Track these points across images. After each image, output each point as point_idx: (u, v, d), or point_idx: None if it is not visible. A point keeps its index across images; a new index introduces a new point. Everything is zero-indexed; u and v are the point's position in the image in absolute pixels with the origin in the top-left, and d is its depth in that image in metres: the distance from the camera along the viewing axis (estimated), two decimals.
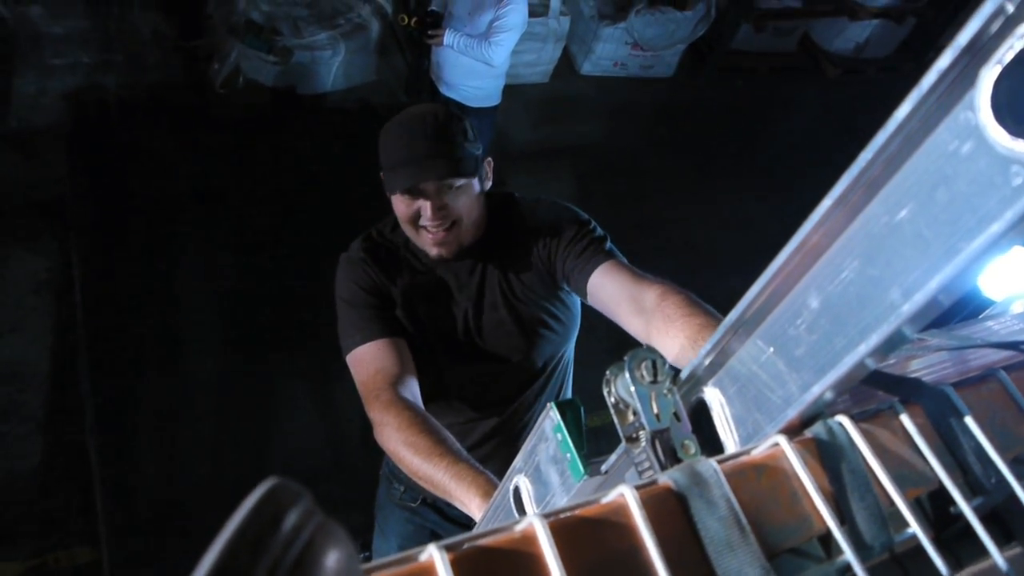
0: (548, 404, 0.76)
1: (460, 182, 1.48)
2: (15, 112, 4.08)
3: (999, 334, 0.74)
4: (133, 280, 3.36)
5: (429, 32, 3.54)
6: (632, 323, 1.37)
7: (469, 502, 1.17)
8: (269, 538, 0.27)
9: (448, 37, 3.49)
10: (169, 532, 2.59)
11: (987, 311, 0.86)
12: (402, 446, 1.30)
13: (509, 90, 5.23)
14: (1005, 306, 0.96)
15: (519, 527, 0.43)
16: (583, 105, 5.35)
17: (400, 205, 1.51)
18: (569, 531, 0.42)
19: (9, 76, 4.21)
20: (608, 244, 1.59)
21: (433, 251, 1.55)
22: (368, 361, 1.47)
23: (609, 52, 5.38)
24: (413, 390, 1.45)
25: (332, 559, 0.29)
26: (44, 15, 4.57)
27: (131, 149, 3.95)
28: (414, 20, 3.57)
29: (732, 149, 5.28)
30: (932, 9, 6.05)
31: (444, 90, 3.74)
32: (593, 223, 1.65)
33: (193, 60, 4.56)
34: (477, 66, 3.53)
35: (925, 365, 0.68)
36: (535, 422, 1.51)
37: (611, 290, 1.45)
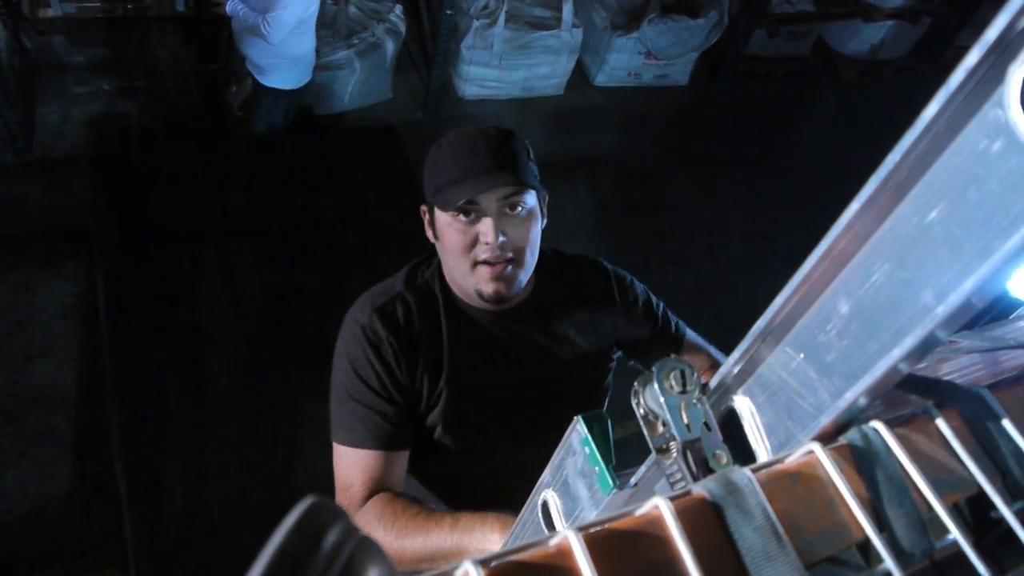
0: (575, 418, 0.76)
1: (527, 205, 1.32)
2: (39, 140, 4.15)
3: None
4: (157, 303, 3.40)
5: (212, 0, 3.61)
6: None
7: (490, 544, 1.14)
8: (311, 557, 0.27)
9: (230, 6, 3.55)
10: (198, 552, 2.61)
11: (1017, 311, 0.85)
12: (395, 541, 1.22)
13: (524, 103, 5.30)
14: None
15: (553, 541, 0.42)
16: (598, 116, 5.35)
17: (453, 232, 1.31)
18: (604, 544, 0.42)
19: (33, 105, 4.29)
20: (669, 320, 1.58)
21: (489, 288, 1.33)
22: (355, 466, 1.33)
23: (623, 62, 5.39)
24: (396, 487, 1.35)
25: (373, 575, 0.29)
26: (66, 44, 4.66)
27: (153, 174, 4.00)
28: None
29: (749, 156, 5.25)
30: (947, 8, 6.01)
31: (247, 64, 3.84)
32: (654, 298, 1.60)
33: (211, 84, 4.62)
34: (265, 44, 3.58)
35: (957, 368, 0.67)
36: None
37: None
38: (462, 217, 1.29)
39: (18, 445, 2.93)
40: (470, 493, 1.44)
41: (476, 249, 1.31)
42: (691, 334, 1.60)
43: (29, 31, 4.54)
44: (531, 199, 1.33)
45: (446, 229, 1.32)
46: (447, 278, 1.42)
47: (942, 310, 0.40)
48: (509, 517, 1.20)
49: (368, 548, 0.29)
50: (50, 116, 4.30)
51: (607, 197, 4.83)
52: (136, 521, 2.69)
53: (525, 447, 1.34)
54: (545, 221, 1.40)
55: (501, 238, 1.28)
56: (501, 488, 1.31)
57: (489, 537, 1.16)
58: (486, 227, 1.28)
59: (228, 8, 3.55)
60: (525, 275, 1.37)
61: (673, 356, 0.60)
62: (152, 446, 2.92)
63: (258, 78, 3.82)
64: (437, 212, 1.33)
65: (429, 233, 1.42)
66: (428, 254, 1.49)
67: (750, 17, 5.58)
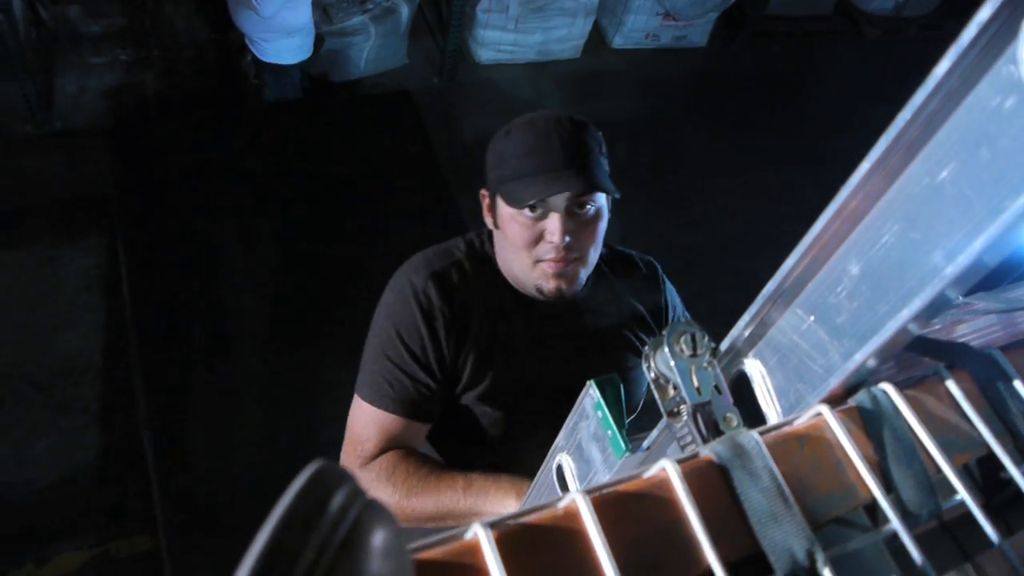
0: (588, 382, 0.76)
1: (596, 204, 1.27)
2: (58, 111, 4.17)
3: None
4: (179, 273, 3.43)
5: None
6: None
7: (505, 509, 1.13)
8: (317, 518, 0.28)
9: None
10: (223, 518, 2.66)
11: None
12: (404, 499, 1.21)
13: (541, 67, 5.24)
14: None
15: (562, 504, 0.43)
16: (616, 79, 5.29)
17: (516, 226, 1.26)
18: (612, 506, 0.43)
19: (51, 77, 4.30)
20: None
21: (551, 284, 1.29)
22: (374, 424, 1.31)
23: (640, 24, 5.30)
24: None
25: (379, 538, 0.29)
26: (82, 15, 4.66)
27: (171, 143, 4.02)
28: None
29: (770, 118, 5.18)
30: None
31: (247, 40, 3.81)
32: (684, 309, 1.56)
33: (227, 52, 4.61)
34: (257, 18, 3.55)
35: (972, 329, 0.66)
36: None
37: None
38: (528, 212, 1.24)
39: (47, 415, 3.00)
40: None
41: (540, 246, 1.27)
42: None
43: (45, 2, 4.54)
44: (600, 198, 1.29)
45: (509, 221, 1.27)
46: (502, 264, 1.38)
47: (951, 270, 0.40)
48: (524, 481, 1.20)
49: (373, 510, 0.29)
50: (68, 87, 4.31)
51: (626, 161, 4.78)
52: (163, 488, 2.74)
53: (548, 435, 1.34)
54: (609, 216, 1.34)
55: (567, 239, 1.24)
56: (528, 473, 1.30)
57: (504, 502, 1.17)
58: (553, 226, 1.24)
59: None
60: (586, 273, 1.34)
61: (684, 320, 0.60)
62: (177, 414, 2.97)
63: (255, 53, 3.81)
64: (500, 202, 1.29)
65: (488, 219, 1.38)
66: (483, 229, 1.45)
67: None
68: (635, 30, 5.34)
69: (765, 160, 4.82)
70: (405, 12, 4.59)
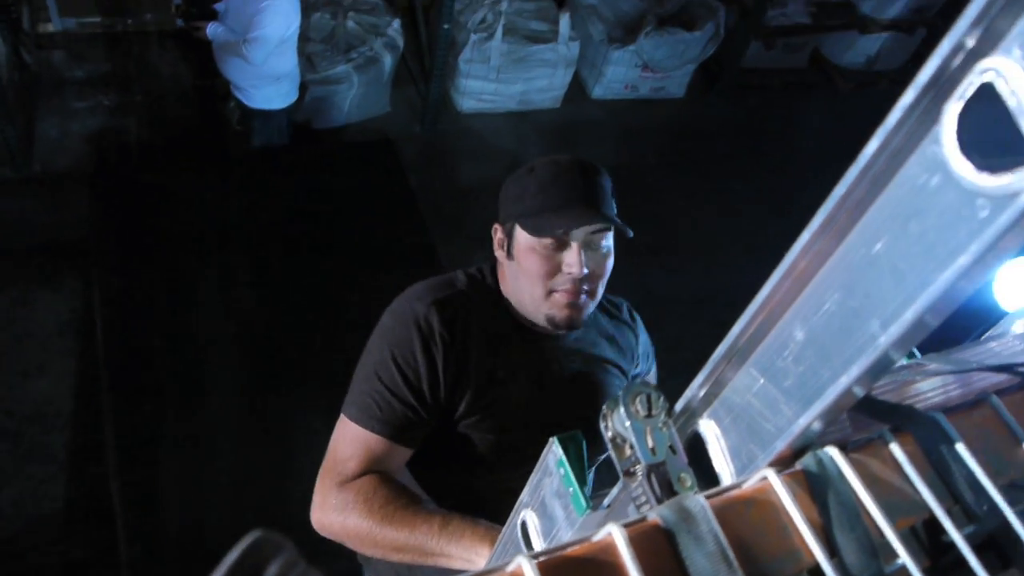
0: (551, 439, 0.77)
1: (608, 241, 1.36)
2: (38, 155, 4.17)
3: (1000, 355, 0.73)
4: (154, 319, 3.41)
5: (193, 24, 3.58)
6: None
7: (477, 556, 1.13)
8: None
9: (210, 30, 3.53)
10: (193, 569, 2.61)
11: (988, 332, 0.85)
12: (376, 525, 1.20)
13: (522, 116, 5.32)
14: (1012, 321, 0.95)
15: (509, 568, 0.43)
16: (596, 129, 5.38)
17: (535, 257, 1.32)
18: (558, 571, 0.43)
19: (32, 120, 4.31)
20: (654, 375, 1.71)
21: (563, 313, 1.34)
22: (357, 443, 1.31)
23: (620, 75, 5.41)
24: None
25: None
26: (66, 59, 4.70)
27: (151, 189, 4.02)
28: (182, 10, 3.65)
29: (747, 168, 5.27)
30: (942, 19, 6.03)
31: (232, 88, 3.83)
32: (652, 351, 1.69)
33: (210, 99, 4.65)
34: (248, 66, 3.56)
35: (925, 390, 0.68)
36: None
37: None
38: (548, 244, 1.31)
39: (14, 462, 2.94)
40: (479, 505, 1.40)
41: (557, 277, 1.32)
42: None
43: (29, 46, 4.57)
44: (610, 238, 1.37)
45: (528, 252, 1.33)
46: (506, 291, 1.43)
47: (884, 340, 0.41)
48: (500, 530, 1.19)
49: None
50: (50, 131, 4.32)
51: None
52: (131, 539, 2.69)
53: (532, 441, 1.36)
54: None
55: (585, 270, 1.31)
56: (487, 506, 1.29)
57: (478, 550, 1.15)
58: (572, 258, 1.30)
59: (208, 32, 3.53)
60: (593, 306, 1.40)
61: (640, 380, 0.61)
62: (148, 464, 2.92)
63: (243, 100, 3.82)
64: (518, 234, 1.35)
65: (500, 253, 1.43)
66: (483, 264, 1.51)
67: (746, 29, 5.61)
68: (614, 81, 5.45)
69: (741, 210, 4.89)
70: (388, 61, 4.66)
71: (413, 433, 1.34)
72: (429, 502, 1.24)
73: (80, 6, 4.74)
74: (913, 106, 0.38)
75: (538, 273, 1.32)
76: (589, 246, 1.32)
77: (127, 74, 4.74)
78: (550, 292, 1.34)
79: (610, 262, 1.38)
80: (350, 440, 1.32)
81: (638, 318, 1.63)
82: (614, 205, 1.39)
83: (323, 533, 1.29)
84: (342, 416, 1.35)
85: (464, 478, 1.45)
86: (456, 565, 1.15)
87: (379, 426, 1.30)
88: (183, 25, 3.69)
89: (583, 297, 1.34)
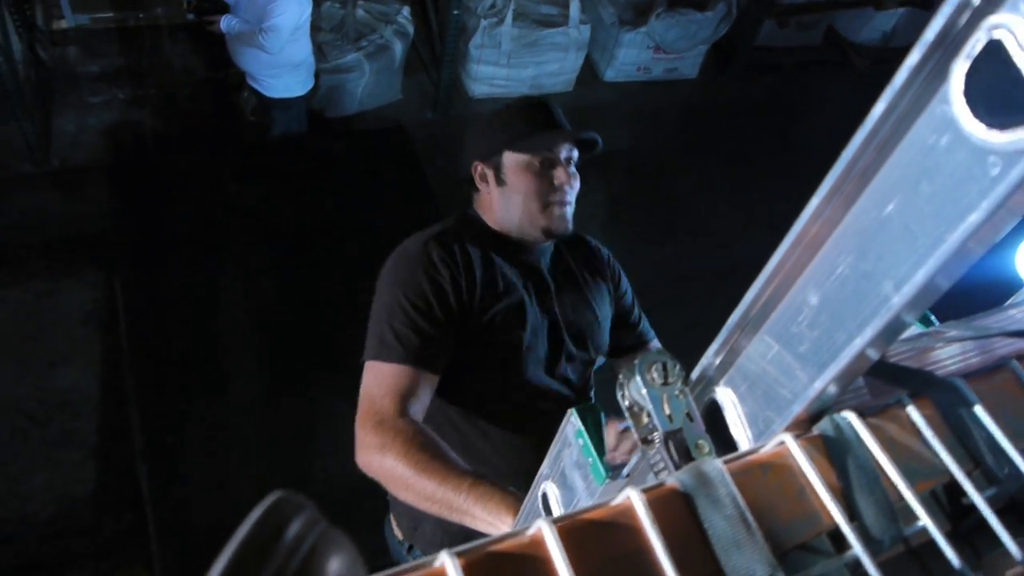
0: (569, 410, 0.78)
1: (577, 163, 1.61)
2: (56, 150, 4.21)
3: (1021, 322, 0.73)
4: (175, 307, 3.45)
5: (205, 18, 3.56)
6: None
7: (501, 523, 1.15)
8: (273, 546, 0.29)
9: (224, 23, 3.51)
10: (220, 550, 2.65)
11: (1012, 298, 0.85)
12: (411, 471, 1.24)
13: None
14: None
15: (529, 532, 0.44)
16: (608, 112, 5.35)
17: (530, 175, 1.56)
18: (577, 534, 0.44)
19: (49, 116, 4.35)
20: (642, 316, 1.81)
21: (558, 223, 1.58)
22: (384, 378, 1.39)
23: (631, 57, 5.38)
24: (419, 420, 1.39)
25: (334, 565, 0.30)
26: (80, 55, 4.73)
27: (168, 180, 4.06)
28: (192, 4, 3.59)
29: (760, 148, 5.23)
30: None
31: (249, 80, 3.82)
32: (629, 286, 1.84)
33: (223, 90, 4.67)
34: (264, 56, 3.54)
35: (944, 357, 0.68)
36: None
37: None
38: (537, 164, 1.55)
39: (44, 449, 2.99)
40: (494, 415, 1.57)
41: (549, 192, 1.56)
42: (655, 341, 1.80)
43: (44, 43, 4.61)
44: (576, 155, 1.62)
45: (522, 174, 1.57)
46: (493, 220, 1.64)
47: (898, 300, 0.42)
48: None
49: (330, 538, 0.31)
50: (66, 126, 4.36)
51: (619, 192, 4.83)
52: (159, 521, 2.73)
53: (549, 369, 1.60)
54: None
55: (572, 179, 1.57)
56: (524, 409, 1.56)
57: (503, 518, 1.16)
58: (561, 172, 1.56)
59: (223, 25, 3.53)
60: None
61: (655, 349, 0.62)
62: (173, 447, 2.97)
63: (261, 91, 3.82)
64: (508, 161, 1.58)
65: (483, 185, 1.64)
66: (465, 210, 1.71)
67: (758, 8, 5.54)
68: (626, 63, 5.41)
69: (756, 189, 4.86)
70: (399, 49, 4.66)
71: (435, 358, 1.43)
72: (464, 463, 1.27)
73: (92, 2, 4.77)
74: (920, 66, 0.38)
75: (534, 189, 1.55)
76: (569, 162, 1.58)
77: (140, 68, 4.77)
78: (546, 205, 1.56)
79: (579, 181, 1.62)
80: (380, 380, 1.39)
81: (602, 249, 1.83)
82: None
83: (366, 472, 1.34)
84: (367, 363, 1.43)
85: (496, 386, 1.57)
86: (478, 527, 1.18)
87: (404, 357, 1.39)
88: (195, 19, 3.67)
89: (568, 208, 1.59)
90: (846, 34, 6.18)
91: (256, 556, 0.28)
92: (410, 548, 1.77)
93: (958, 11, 0.36)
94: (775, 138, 5.37)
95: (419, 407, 1.39)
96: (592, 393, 1.74)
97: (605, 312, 1.73)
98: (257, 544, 0.28)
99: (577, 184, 1.61)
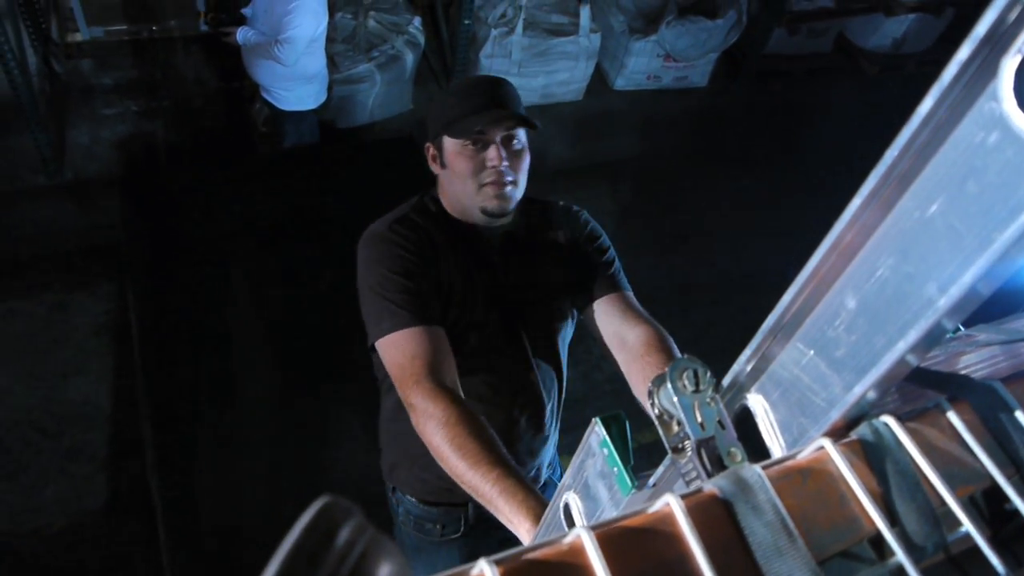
0: (593, 419, 0.77)
1: (522, 140, 1.60)
2: (70, 162, 4.24)
3: None
4: (187, 318, 3.45)
5: (222, 30, 3.57)
6: (616, 355, 1.60)
7: (519, 525, 1.15)
8: (324, 552, 0.28)
9: (240, 35, 3.52)
10: (232, 563, 2.64)
11: None
12: (448, 445, 1.27)
13: (544, 109, 5.31)
14: None
15: (567, 539, 0.43)
16: (618, 120, 5.35)
17: (463, 159, 1.57)
18: (616, 541, 0.43)
19: (63, 128, 4.38)
20: (616, 267, 1.74)
21: (493, 203, 1.58)
22: (403, 345, 1.44)
23: (642, 66, 5.38)
24: (454, 379, 1.42)
25: (385, 571, 0.30)
26: (94, 67, 4.77)
27: (181, 191, 4.07)
28: (209, 16, 3.63)
29: (772, 155, 5.22)
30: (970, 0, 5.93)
31: (262, 92, 3.82)
32: (607, 240, 1.79)
33: (236, 101, 4.70)
34: (279, 68, 3.55)
35: (975, 361, 0.67)
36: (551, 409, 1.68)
37: (603, 321, 1.64)
38: (470, 146, 1.56)
39: (56, 461, 3.00)
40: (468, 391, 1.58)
41: (483, 173, 1.56)
42: (632, 299, 1.72)
43: (58, 55, 4.65)
44: (524, 136, 1.61)
45: (456, 157, 1.58)
46: (446, 202, 1.68)
47: (944, 302, 0.41)
48: (544, 509, 1.20)
49: (380, 544, 0.30)
50: (80, 138, 4.39)
51: (629, 200, 4.82)
52: (171, 533, 2.73)
53: (510, 340, 1.65)
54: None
55: (505, 163, 1.55)
56: (489, 368, 1.63)
57: (520, 519, 1.15)
58: (492, 153, 1.55)
59: (239, 37, 3.54)
60: (518, 195, 1.62)
61: (686, 356, 0.61)
62: (185, 459, 2.96)
63: (275, 103, 3.82)
64: (446, 144, 1.60)
65: (435, 167, 1.68)
66: (423, 192, 1.74)
67: (769, 15, 5.54)
68: (636, 72, 5.41)
69: (767, 196, 4.84)
70: (410, 59, 4.68)
71: (432, 308, 1.51)
72: (502, 449, 1.28)
73: (107, 15, 4.81)
74: (969, 61, 0.38)
75: (468, 171, 1.57)
76: (506, 144, 1.56)
77: (154, 80, 4.81)
78: (481, 186, 1.57)
79: (526, 157, 1.62)
80: (399, 349, 1.44)
81: (583, 213, 1.81)
82: (522, 107, 1.62)
83: (422, 438, 1.36)
84: (380, 343, 1.48)
85: (477, 366, 1.62)
86: (499, 517, 1.19)
87: (411, 319, 1.46)
88: (211, 31, 3.70)
89: (508, 188, 1.58)
90: (856, 41, 6.17)
91: (307, 562, 0.27)
92: (393, 489, 1.84)
93: (1009, 7, 0.35)
94: (785, 146, 5.36)
95: (448, 362, 1.44)
96: (564, 362, 1.77)
97: (565, 274, 1.72)
98: (308, 550, 0.27)
99: (522, 162, 1.61)
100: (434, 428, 1.30)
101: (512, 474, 1.22)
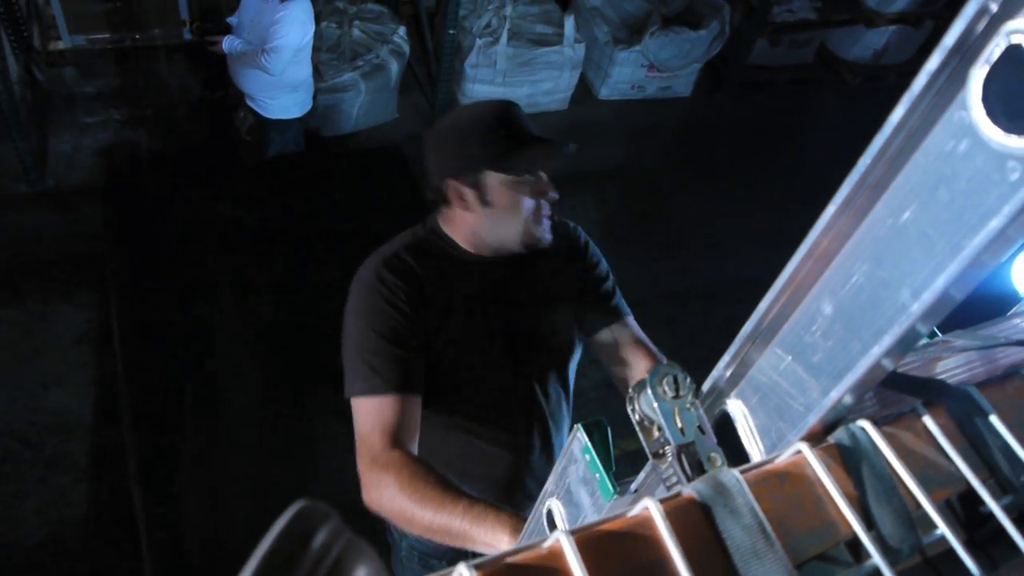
0: (576, 426, 0.77)
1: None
2: (52, 170, 4.21)
3: None
4: (170, 328, 3.42)
5: (208, 39, 3.57)
6: (619, 385, 1.60)
7: (498, 542, 1.14)
8: (300, 555, 0.28)
9: (226, 44, 3.52)
10: (215, 573, 2.61)
11: (1015, 307, 0.85)
12: (407, 502, 1.24)
13: (529, 119, 5.30)
14: None
15: (546, 544, 0.43)
16: (603, 130, 5.38)
17: (521, 194, 1.50)
18: (595, 545, 0.43)
19: (45, 136, 4.35)
20: (618, 294, 1.71)
21: (547, 234, 1.56)
22: (368, 413, 1.40)
23: (626, 76, 5.41)
24: (413, 441, 1.39)
25: (361, 574, 0.30)
26: (76, 76, 4.74)
27: (163, 200, 4.04)
28: (195, 25, 3.64)
29: (754, 165, 5.26)
30: (950, 11, 6.00)
31: (248, 100, 3.82)
32: (606, 263, 1.76)
33: (219, 110, 4.68)
34: (265, 77, 3.55)
35: (952, 366, 0.68)
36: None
37: (607, 351, 1.63)
38: (526, 183, 1.50)
39: (36, 471, 2.96)
40: (470, 429, 1.57)
41: (540, 208, 1.53)
42: (634, 325, 1.70)
43: (40, 63, 4.62)
44: None
45: (510, 192, 1.50)
46: (462, 236, 1.58)
47: (917, 307, 0.41)
48: (523, 520, 1.20)
49: (356, 547, 0.30)
50: (62, 146, 4.36)
51: (614, 209, 4.84)
52: (153, 543, 2.70)
53: (519, 374, 1.59)
54: None
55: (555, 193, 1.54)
56: (499, 406, 1.57)
57: (499, 536, 1.15)
58: (550, 185, 1.54)
59: (225, 46, 3.53)
60: None
61: (666, 362, 0.61)
62: (168, 469, 2.93)
63: (260, 112, 3.81)
64: (491, 180, 1.49)
65: (463, 204, 1.53)
66: (423, 221, 1.67)
67: (751, 26, 5.59)
68: (621, 82, 5.45)
69: (750, 205, 4.88)
70: (395, 68, 4.68)
71: (413, 379, 1.43)
72: (460, 486, 1.26)
73: (89, 23, 4.79)
74: (939, 71, 0.38)
75: (529, 205, 1.51)
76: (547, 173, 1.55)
77: (137, 88, 4.78)
78: (537, 219, 1.53)
79: None
80: (365, 414, 1.39)
81: (588, 241, 1.76)
82: None
83: (376, 512, 1.34)
84: (352, 400, 1.43)
85: (465, 399, 1.57)
86: (479, 549, 1.17)
87: (383, 387, 1.39)
88: (197, 40, 3.69)
89: (554, 216, 1.58)
90: (838, 52, 6.24)
91: (283, 564, 0.27)
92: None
93: (976, 17, 0.36)
94: (769, 155, 5.40)
95: (409, 433, 1.39)
96: (571, 388, 1.74)
97: (570, 299, 1.69)
98: (284, 553, 0.28)
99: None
100: (391, 495, 1.27)
101: (477, 502, 1.21)
